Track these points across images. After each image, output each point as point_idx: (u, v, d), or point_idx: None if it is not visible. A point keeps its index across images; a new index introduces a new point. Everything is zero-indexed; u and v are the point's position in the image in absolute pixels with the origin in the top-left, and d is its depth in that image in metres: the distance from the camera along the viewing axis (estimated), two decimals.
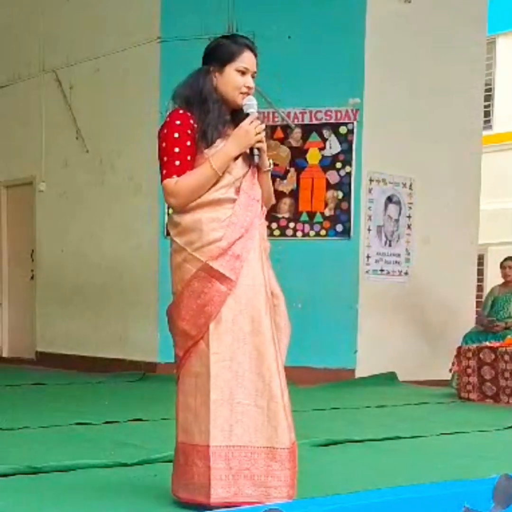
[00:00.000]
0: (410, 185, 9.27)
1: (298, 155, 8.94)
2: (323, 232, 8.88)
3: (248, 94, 3.22)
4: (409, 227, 9.30)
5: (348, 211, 8.82)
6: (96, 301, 9.95)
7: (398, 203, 9.22)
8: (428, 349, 9.32)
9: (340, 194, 8.84)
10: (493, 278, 11.14)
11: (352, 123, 8.79)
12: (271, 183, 3.35)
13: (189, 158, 3.14)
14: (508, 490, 3.07)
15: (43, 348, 10.66)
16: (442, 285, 9.48)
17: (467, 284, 10.01)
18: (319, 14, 8.82)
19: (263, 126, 3.18)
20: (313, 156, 8.91)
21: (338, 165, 8.85)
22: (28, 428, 5.27)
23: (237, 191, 3.18)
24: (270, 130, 8.72)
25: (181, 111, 3.18)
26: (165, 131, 3.17)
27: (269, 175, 3.31)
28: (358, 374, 8.76)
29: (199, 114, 3.17)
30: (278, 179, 8.74)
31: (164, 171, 3.16)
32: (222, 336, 3.09)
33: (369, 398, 7.50)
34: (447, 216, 9.57)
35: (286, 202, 8.90)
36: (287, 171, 8.94)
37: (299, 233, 8.93)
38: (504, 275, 8.81)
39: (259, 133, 3.17)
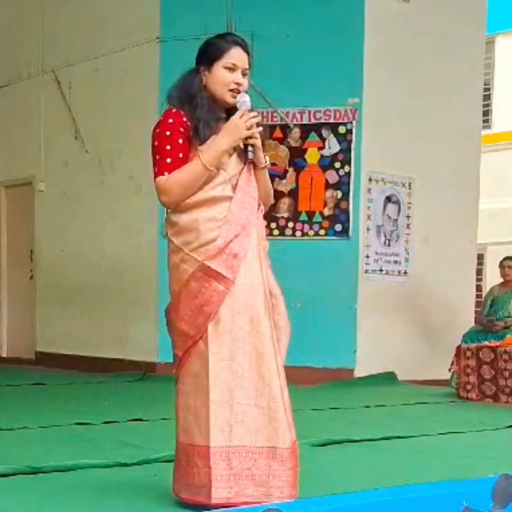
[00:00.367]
0: (409, 185, 9.27)
1: (297, 155, 8.94)
2: (322, 232, 8.88)
3: (238, 91, 3.17)
4: (408, 227, 9.30)
5: (347, 210, 8.82)
6: (96, 301, 9.96)
7: (398, 203, 9.22)
8: (428, 348, 9.32)
9: (339, 194, 8.84)
10: (493, 277, 11.15)
11: (351, 122, 8.79)
12: (269, 180, 3.32)
13: (181, 155, 3.12)
14: (508, 490, 3.07)
15: (43, 348, 10.66)
16: (442, 284, 9.48)
17: (466, 283, 10.01)
18: (319, 14, 8.81)
19: (256, 119, 3.13)
20: (312, 156, 8.91)
21: (337, 164, 8.85)
22: (28, 428, 5.27)
23: (234, 188, 3.16)
24: (269, 130, 8.72)
25: (174, 110, 3.18)
26: (158, 130, 3.17)
27: (266, 172, 3.28)
28: (358, 374, 8.76)
29: (190, 111, 3.16)
30: (277, 179, 8.74)
31: (156, 169, 3.16)
32: (221, 336, 3.08)
33: (369, 398, 7.50)
34: (447, 216, 9.57)
35: (285, 202, 8.90)
36: (286, 171, 8.94)
37: (298, 233, 8.93)
38: (503, 275, 8.82)
39: (250, 127, 3.12)
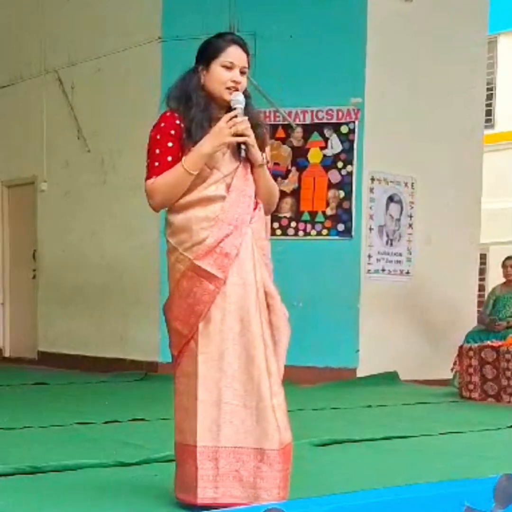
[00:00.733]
0: (412, 185, 9.26)
1: (299, 155, 8.93)
2: (324, 231, 8.87)
3: (236, 89, 3.16)
4: (410, 226, 9.29)
5: (349, 210, 8.81)
6: (97, 301, 9.96)
7: (400, 202, 9.21)
8: (430, 348, 9.31)
9: (342, 194, 8.84)
10: (495, 277, 11.13)
11: (354, 122, 8.78)
12: (271, 179, 3.28)
13: (169, 159, 3.12)
14: (509, 490, 3.06)
15: (45, 348, 10.67)
16: (444, 284, 9.47)
17: (468, 283, 10.00)
18: (320, 14, 8.81)
19: (244, 125, 3.09)
20: (314, 156, 8.91)
21: (340, 164, 8.84)
22: (28, 428, 5.27)
23: (228, 187, 3.14)
24: (272, 130, 8.72)
25: (168, 113, 3.18)
26: (151, 134, 3.19)
27: (265, 169, 3.23)
28: (360, 373, 8.76)
29: (186, 111, 3.15)
30: (279, 179, 8.73)
31: (146, 173, 3.18)
32: (211, 335, 3.07)
33: (370, 397, 7.50)
34: (449, 216, 9.56)
35: (287, 202, 8.90)
36: (288, 171, 8.94)
37: (300, 233, 8.92)
38: (506, 275, 8.81)
39: (235, 132, 3.08)
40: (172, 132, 3.14)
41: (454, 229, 9.63)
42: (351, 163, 8.81)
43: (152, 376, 8.80)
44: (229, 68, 3.15)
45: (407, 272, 9.27)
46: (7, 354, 11.42)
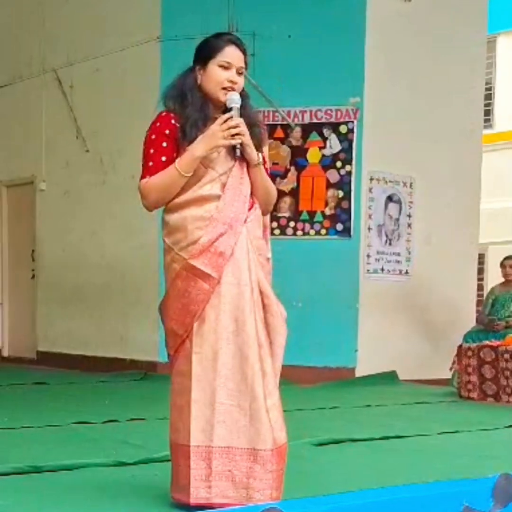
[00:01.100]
0: (411, 184, 9.27)
1: (298, 154, 8.93)
2: (323, 231, 8.88)
3: (232, 89, 3.15)
4: (409, 226, 9.29)
5: (348, 210, 8.82)
6: (97, 301, 9.96)
7: (399, 202, 9.22)
8: (429, 348, 9.31)
9: (341, 193, 8.84)
10: (494, 277, 11.14)
11: (353, 122, 8.79)
12: (268, 178, 3.27)
13: (163, 159, 3.12)
14: (508, 489, 3.07)
15: (44, 348, 10.67)
16: (443, 284, 9.48)
17: (467, 283, 10.00)
18: (320, 13, 8.81)
19: (238, 130, 3.08)
20: (313, 155, 8.91)
21: (339, 164, 8.84)
22: (28, 428, 5.28)
23: (223, 187, 3.14)
24: (271, 129, 8.72)
25: (164, 113, 3.19)
26: (147, 133, 3.19)
27: (262, 169, 3.22)
28: (359, 373, 8.76)
29: (182, 110, 3.15)
30: (278, 178, 8.73)
31: (141, 173, 3.18)
32: (205, 335, 3.07)
33: (370, 397, 7.50)
34: (448, 215, 9.56)
35: (286, 201, 8.90)
36: (287, 170, 8.94)
37: (299, 232, 8.93)
38: (505, 274, 8.80)
39: (234, 133, 3.08)
40: (167, 132, 3.14)
41: (453, 229, 9.63)
42: (350, 163, 8.82)
43: (152, 376, 8.80)
44: (226, 68, 3.15)
45: (406, 272, 9.28)
46: (6, 354, 11.41)
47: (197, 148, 3.09)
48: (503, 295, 8.73)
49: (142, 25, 9.38)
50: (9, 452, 4.36)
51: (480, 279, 13.06)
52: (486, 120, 12.23)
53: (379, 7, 8.86)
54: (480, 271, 12.29)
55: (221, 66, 3.15)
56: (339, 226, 8.84)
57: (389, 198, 9.13)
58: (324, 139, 8.87)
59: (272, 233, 9.09)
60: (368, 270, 8.93)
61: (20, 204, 11.20)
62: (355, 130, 8.78)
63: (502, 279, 8.90)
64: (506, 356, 7.34)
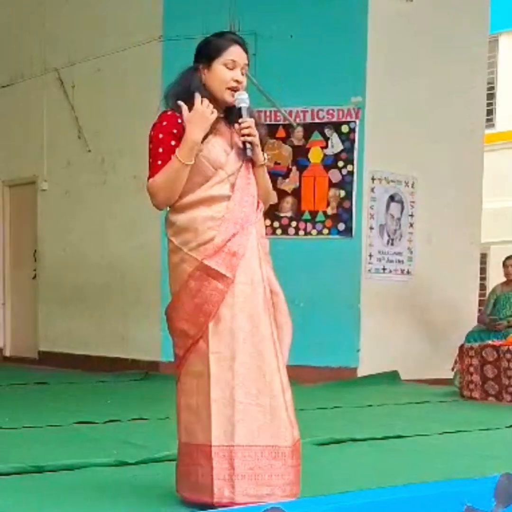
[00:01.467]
0: (412, 184, 9.26)
1: (300, 154, 8.93)
2: (325, 231, 8.88)
3: (237, 89, 3.17)
4: (411, 226, 9.29)
5: (350, 210, 8.81)
6: (98, 301, 9.97)
7: (400, 201, 9.21)
8: (431, 347, 9.31)
9: (342, 193, 8.84)
10: (496, 277, 11.13)
11: (354, 121, 8.79)
12: (268, 179, 3.30)
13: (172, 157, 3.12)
14: (510, 489, 3.07)
15: (46, 348, 10.67)
16: (445, 283, 9.47)
17: (469, 282, 10.00)
18: (321, 13, 8.81)
19: (251, 121, 3.13)
20: (315, 155, 8.91)
21: (340, 164, 8.84)
22: (29, 428, 5.27)
23: (232, 187, 3.15)
24: (272, 129, 8.72)
25: (169, 112, 3.18)
26: (152, 133, 3.18)
27: (265, 169, 3.26)
28: (360, 373, 8.76)
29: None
30: (280, 178, 8.74)
31: (149, 173, 3.17)
32: (221, 335, 3.07)
33: (371, 397, 7.50)
34: (449, 215, 9.56)
35: (288, 201, 8.90)
36: (289, 170, 8.93)
37: (301, 232, 8.92)
38: (506, 274, 8.80)
39: (246, 133, 3.12)
40: (174, 131, 3.13)
41: (454, 228, 9.63)
42: (351, 163, 8.82)
43: (153, 375, 8.80)
44: (231, 67, 3.16)
45: (408, 272, 9.27)
46: (7, 354, 11.42)
47: (193, 132, 3.09)
48: (505, 294, 8.73)
49: (143, 25, 9.38)
50: (10, 452, 4.36)
51: (483, 279, 13.04)
52: (488, 120, 12.21)
53: (380, 7, 8.85)
54: (482, 271, 12.26)
55: (226, 65, 3.16)
56: (341, 226, 8.84)
57: (391, 198, 9.12)
58: (326, 139, 8.87)
59: (274, 233, 9.11)
60: (369, 270, 8.93)
61: (22, 204, 11.20)
62: (356, 129, 8.78)
63: (504, 279, 8.89)
64: (508, 355, 7.33)
